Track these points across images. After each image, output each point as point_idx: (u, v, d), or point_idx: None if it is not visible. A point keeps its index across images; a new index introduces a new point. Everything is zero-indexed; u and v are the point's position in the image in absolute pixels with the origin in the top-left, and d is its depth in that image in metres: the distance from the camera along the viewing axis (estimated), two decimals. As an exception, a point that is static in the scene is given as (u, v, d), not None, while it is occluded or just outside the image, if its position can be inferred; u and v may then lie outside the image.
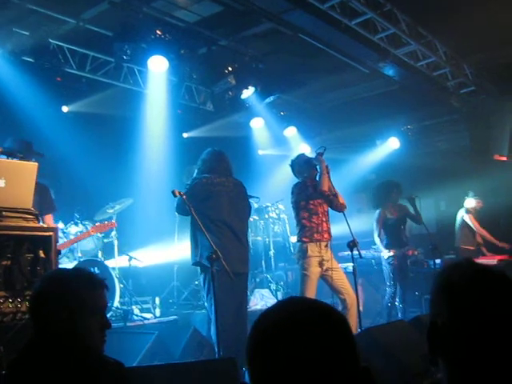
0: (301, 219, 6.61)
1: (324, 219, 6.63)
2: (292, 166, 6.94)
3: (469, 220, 9.46)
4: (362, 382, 1.33)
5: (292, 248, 9.37)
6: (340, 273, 6.56)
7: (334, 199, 6.58)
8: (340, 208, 6.58)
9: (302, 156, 7.05)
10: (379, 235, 8.13)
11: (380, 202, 8.27)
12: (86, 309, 2.43)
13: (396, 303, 8.01)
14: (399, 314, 7.96)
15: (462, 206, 9.66)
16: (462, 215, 9.62)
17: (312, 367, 1.28)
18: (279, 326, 1.34)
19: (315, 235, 6.51)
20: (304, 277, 6.47)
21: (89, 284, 2.49)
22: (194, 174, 6.15)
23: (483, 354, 1.45)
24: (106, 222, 7.65)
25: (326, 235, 6.56)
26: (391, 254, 7.94)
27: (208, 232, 5.36)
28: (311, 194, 6.58)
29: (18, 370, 2.39)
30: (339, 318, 1.40)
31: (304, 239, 6.52)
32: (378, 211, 8.20)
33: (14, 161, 4.29)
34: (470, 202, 9.53)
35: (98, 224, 7.53)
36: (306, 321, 1.34)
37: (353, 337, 1.38)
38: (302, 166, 6.82)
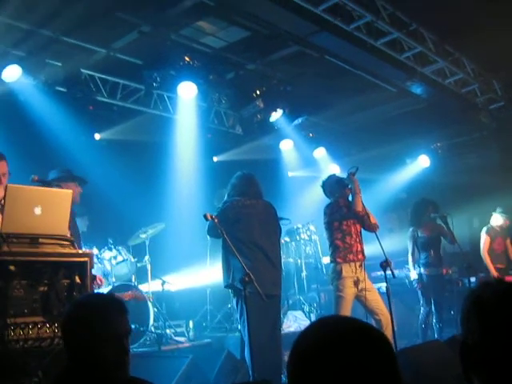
0: (334, 240, 6.58)
1: (357, 239, 6.59)
2: (323, 186, 6.93)
3: (482, 239, 9.19)
4: None
5: (324, 269, 9.33)
6: (374, 293, 6.51)
7: (366, 219, 6.55)
8: (373, 228, 6.55)
9: (333, 176, 7.06)
10: (413, 254, 8.07)
11: (413, 220, 8.23)
12: (107, 335, 2.46)
13: (433, 323, 7.91)
14: (435, 334, 7.86)
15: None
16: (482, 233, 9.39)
17: None
18: (321, 345, 1.34)
19: (349, 256, 6.47)
20: (338, 298, 6.43)
21: (113, 308, 2.54)
22: (225, 198, 6.20)
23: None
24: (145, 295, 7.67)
25: (359, 255, 6.52)
26: (419, 272, 7.89)
27: (240, 254, 5.39)
28: (345, 214, 6.55)
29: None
30: (381, 336, 1.40)
31: (338, 260, 6.49)
32: (410, 229, 8.17)
33: (50, 189, 4.38)
34: (497, 220, 9.27)
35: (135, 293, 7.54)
36: (349, 339, 1.34)
37: (394, 355, 1.38)
38: (333, 186, 6.80)
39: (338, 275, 6.44)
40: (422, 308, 7.94)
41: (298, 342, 1.40)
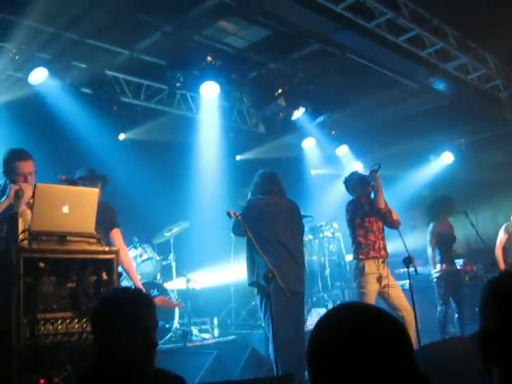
0: (357, 236, 6.59)
1: (380, 236, 6.60)
2: (346, 183, 6.94)
3: (499, 235, 9.09)
4: None
5: (348, 266, 9.33)
6: (397, 290, 6.51)
7: (388, 216, 6.56)
8: (395, 225, 6.57)
9: (355, 173, 7.07)
10: (434, 249, 8.05)
11: (434, 216, 8.20)
12: (134, 328, 2.52)
13: (455, 319, 7.89)
14: (457, 331, 7.83)
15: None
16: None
17: (372, 374, 1.30)
18: (337, 334, 1.37)
19: (372, 252, 6.48)
20: (362, 295, 6.43)
21: (137, 304, 2.60)
22: (249, 196, 6.26)
23: None
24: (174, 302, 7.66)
25: (382, 252, 6.53)
26: (440, 269, 7.86)
27: (264, 252, 5.45)
28: (367, 211, 6.56)
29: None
30: (398, 324, 1.42)
31: (361, 257, 6.50)
32: (431, 224, 8.13)
33: (77, 187, 4.49)
34: None
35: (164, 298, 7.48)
36: (366, 327, 1.37)
37: (411, 343, 1.41)
38: (356, 183, 6.81)
39: (360, 272, 6.46)
40: (440, 305, 7.92)
41: (314, 333, 1.43)
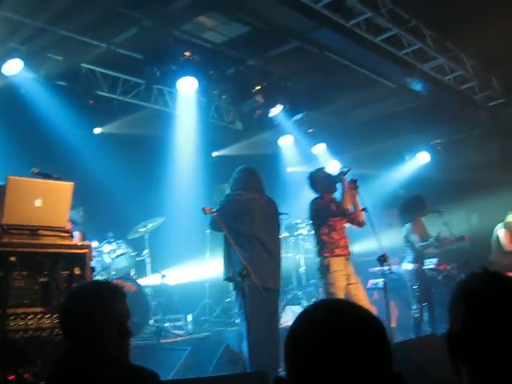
0: (321, 235, 6.58)
1: (343, 234, 6.63)
2: (311, 179, 6.88)
3: (501, 236, 9.30)
4: None
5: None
6: (358, 288, 6.52)
7: (354, 217, 6.62)
8: (360, 225, 6.66)
9: (322, 171, 7.03)
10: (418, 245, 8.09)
11: (410, 216, 8.26)
12: (105, 318, 2.50)
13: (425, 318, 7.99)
14: (429, 329, 7.92)
15: (498, 220, 9.53)
16: (497, 229, 9.48)
17: (349, 369, 1.31)
18: (315, 329, 1.37)
19: (337, 250, 6.49)
20: (331, 293, 6.46)
21: (107, 293, 2.57)
22: (227, 191, 6.24)
23: (496, 359, 1.49)
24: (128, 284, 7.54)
25: (346, 250, 6.56)
26: (414, 268, 7.94)
27: (240, 248, 5.45)
28: (333, 211, 6.56)
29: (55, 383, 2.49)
30: (376, 321, 1.43)
31: (326, 254, 6.50)
32: (408, 225, 8.18)
33: (50, 181, 4.42)
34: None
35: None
36: (345, 324, 1.37)
37: (388, 341, 1.42)
38: (322, 180, 6.78)
39: (327, 269, 6.48)
40: (414, 304, 8.00)
41: (294, 328, 1.43)
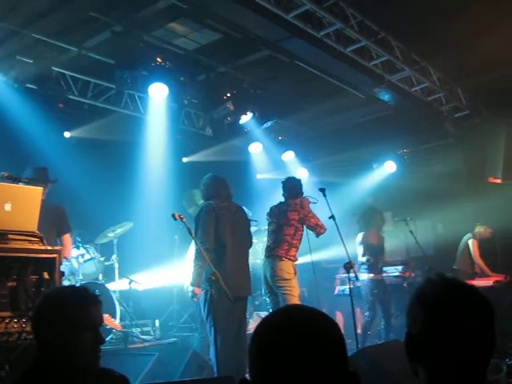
0: (292, 238, 6.81)
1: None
2: (288, 184, 7.18)
3: (472, 246, 9.52)
4: None
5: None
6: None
7: (318, 230, 6.86)
8: (321, 234, 6.90)
9: (299, 181, 7.23)
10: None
11: (364, 226, 8.49)
12: (81, 324, 2.50)
13: (381, 326, 8.20)
14: (385, 336, 8.10)
15: (462, 229, 9.75)
16: (467, 239, 9.70)
17: (306, 369, 1.38)
18: (279, 332, 1.44)
19: (296, 255, 6.82)
20: (292, 297, 6.60)
21: (84, 300, 2.58)
22: (200, 201, 6.28)
23: (451, 361, 1.58)
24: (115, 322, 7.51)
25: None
26: (367, 278, 8.11)
27: (212, 255, 5.53)
28: (301, 218, 6.80)
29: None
30: (332, 324, 1.50)
31: (292, 258, 6.75)
32: (361, 234, 8.42)
33: (20, 185, 4.42)
34: (481, 229, 9.63)
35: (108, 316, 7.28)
36: (305, 329, 1.44)
37: (343, 343, 1.49)
38: (298, 189, 7.00)
39: (293, 273, 6.65)
40: (366, 310, 8.18)
41: (257, 331, 1.50)
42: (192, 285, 5.81)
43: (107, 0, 7.01)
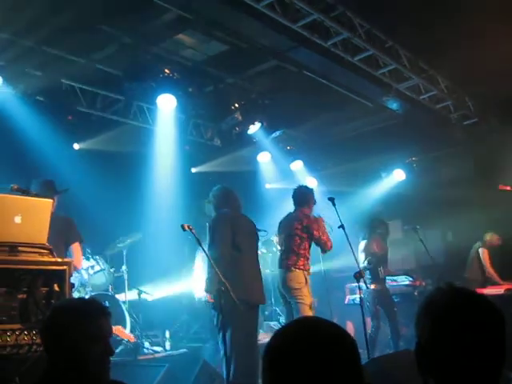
0: (303, 248, 6.84)
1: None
2: (300, 193, 7.23)
3: (482, 254, 9.50)
4: None
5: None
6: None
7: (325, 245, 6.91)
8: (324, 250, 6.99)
9: (308, 189, 7.24)
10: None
11: (367, 234, 8.46)
12: (90, 336, 2.50)
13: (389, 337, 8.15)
14: (394, 346, 8.04)
15: (472, 237, 9.72)
16: (477, 247, 9.66)
17: (320, 381, 1.38)
18: (292, 344, 1.44)
19: (307, 265, 6.85)
20: (304, 306, 6.61)
21: (93, 312, 2.59)
22: (212, 212, 6.26)
23: (460, 371, 1.56)
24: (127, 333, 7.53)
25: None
26: (370, 289, 8.05)
27: (229, 265, 5.58)
28: (304, 227, 6.87)
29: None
30: (346, 336, 1.50)
31: (302, 267, 6.78)
32: (364, 242, 8.38)
33: (30, 198, 4.43)
34: (490, 237, 9.60)
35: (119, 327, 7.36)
36: (318, 340, 1.44)
37: (358, 354, 1.48)
38: (310, 199, 7.04)
39: (304, 283, 6.66)
40: (372, 321, 8.12)
41: (269, 343, 1.51)
42: (206, 291, 5.83)
43: (115, 12, 7.05)
